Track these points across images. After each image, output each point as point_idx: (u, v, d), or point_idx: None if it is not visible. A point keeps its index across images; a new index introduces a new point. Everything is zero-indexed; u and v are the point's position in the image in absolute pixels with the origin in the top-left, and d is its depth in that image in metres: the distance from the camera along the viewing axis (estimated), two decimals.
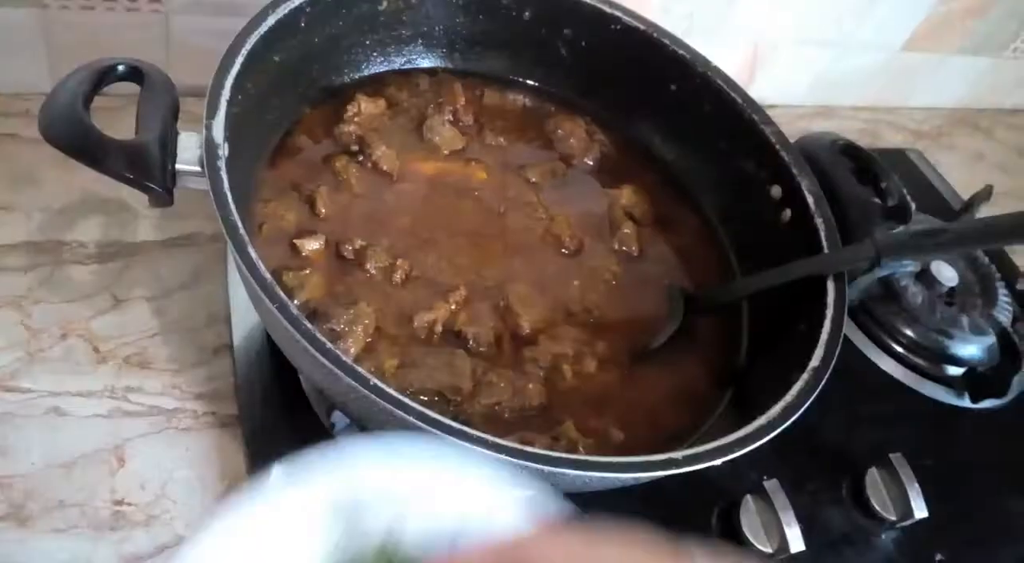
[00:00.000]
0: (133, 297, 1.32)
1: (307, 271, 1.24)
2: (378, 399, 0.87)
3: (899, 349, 1.53)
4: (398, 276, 1.22)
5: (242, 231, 0.94)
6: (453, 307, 1.28)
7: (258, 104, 1.15)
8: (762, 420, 1.11)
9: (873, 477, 1.30)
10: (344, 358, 0.90)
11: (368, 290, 1.19)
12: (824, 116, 2.08)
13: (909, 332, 1.53)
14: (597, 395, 1.20)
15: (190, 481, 1.13)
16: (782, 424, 1.10)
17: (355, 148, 1.33)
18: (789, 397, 1.07)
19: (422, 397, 1.08)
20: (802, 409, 1.05)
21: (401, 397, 0.88)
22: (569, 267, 1.35)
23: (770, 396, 1.07)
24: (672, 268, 1.41)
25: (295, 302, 1.14)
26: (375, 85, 1.43)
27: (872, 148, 1.68)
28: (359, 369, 0.89)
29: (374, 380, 0.89)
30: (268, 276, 0.93)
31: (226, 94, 1.04)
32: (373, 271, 1.22)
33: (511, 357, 1.19)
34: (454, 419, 0.89)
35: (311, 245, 1.27)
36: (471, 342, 1.26)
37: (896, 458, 1.27)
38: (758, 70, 1.88)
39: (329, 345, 0.90)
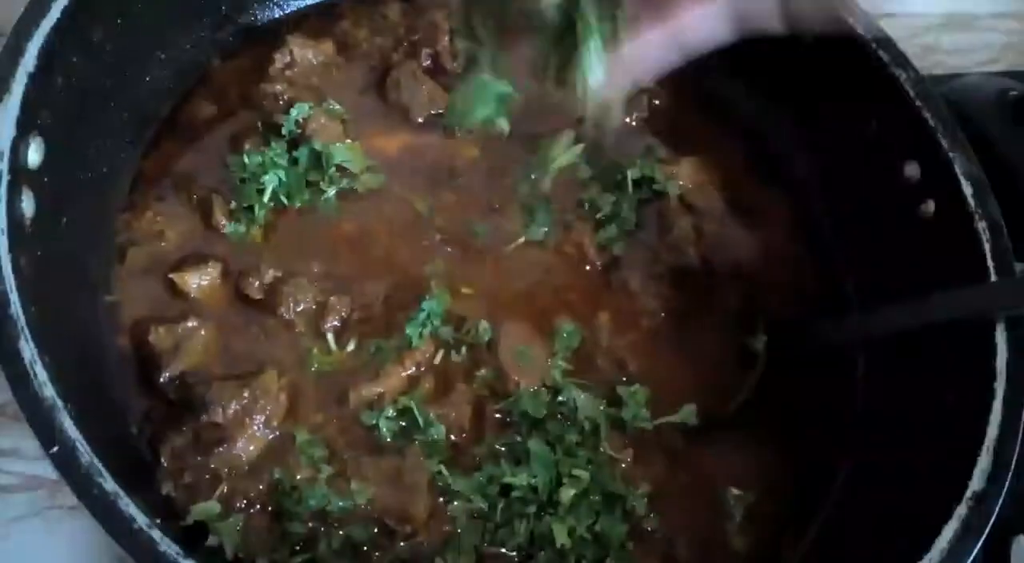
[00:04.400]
0: None
1: (190, 323, 0.92)
2: None
3: None
4: (330, 323, 0.96)
5: None
6: (411, 372, 0.95)
7: (123, 57, 0.97)
8: None
9: None
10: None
11: (281, 348, 0.95)
12: (959, 27, 1.67)
13: None
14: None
15: None
16: None
17: (281, 119, 1.06)
18: (931, 560, 0.78)
19: (352, 533, 0.85)
20: None
21: None
22: (594, 293, 1.06)
23: (895, 529, 0.84)
24: (750, 286, 1.10)
25: (166, 375, 0.90)
26: (319, 19, 1.18)
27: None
28: None
29: None
30: None
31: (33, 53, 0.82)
32: (291, 317, 0.96)
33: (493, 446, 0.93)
34: None
35: (199, 279, 0.96)
36: (432, 433, 0.91)
37: None
38: None
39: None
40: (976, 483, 0.81)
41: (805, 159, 1.18)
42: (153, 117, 1.03)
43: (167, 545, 0.64)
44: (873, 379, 1.03)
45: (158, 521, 0.66)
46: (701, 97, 1.22)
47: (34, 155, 0.80)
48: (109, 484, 0.65)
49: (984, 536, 0.78)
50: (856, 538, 0.89)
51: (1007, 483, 0.81)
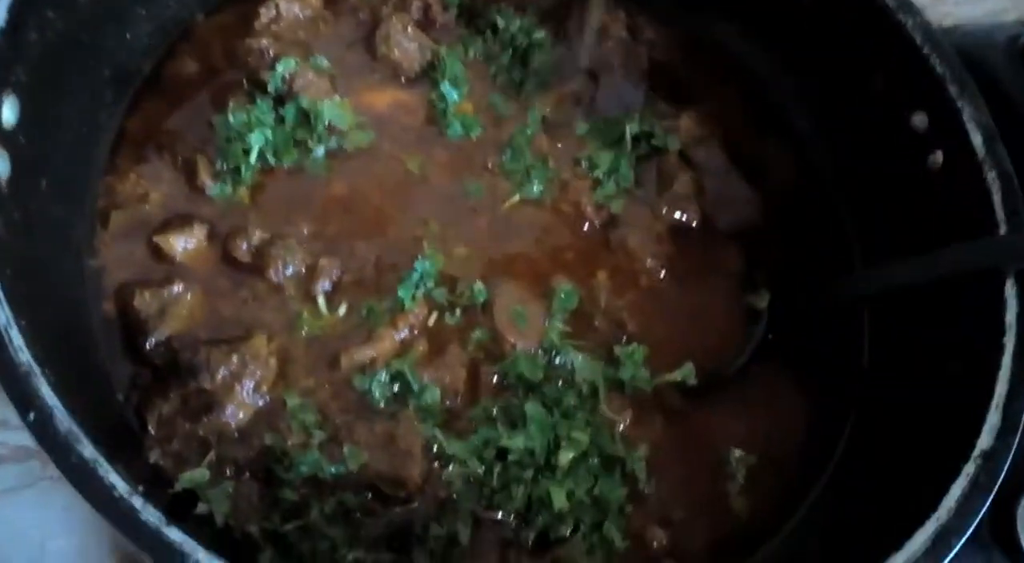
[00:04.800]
0: None
1: (176, 287, 0.89)
2: None
3: None
4: (320, 285, 0.93)
5: None
6: (404, 335, 0.91)
7: (101, 12, 0.92)
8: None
9: None
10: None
11: (271, 312, 0.92)
12: None
13: None
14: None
15: (69, 555, 0.94)
16: None
17: (266, 75, 1.02)
18: (939, 519, 0.75)
19: (344, 499, 0.82)
20: (966, 535, 0.74)
21: None
22: (591, 252, 1.02)
23: (902, 489, 0.81)
24: (752, 244, 1.06)
25: (151, 340, 0.87)
26: None
27: None
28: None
29: None
30: None
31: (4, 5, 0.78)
32: (280, 280, 0.93)
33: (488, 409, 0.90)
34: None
35: (185, 242, 0.93)
36: (426, 397, 0.88)
37: None
38: None
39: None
40: (985, 441, 0.78)
41: (809, 112, 1.14)
42: (134, 75, 0.99)
43: (149, 513, 0.61)
44: (879, 336, 1.00)
45: (140, 488, 0.63)
46: (701, 50, 1.18)
47: (8, 113, 0.77)
48: (88, 451, 0.63)
49: (993, 494, 0.76)
50: (861, 499, 0.87)
51: (1016, 441, 0.78)
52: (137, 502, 0.61)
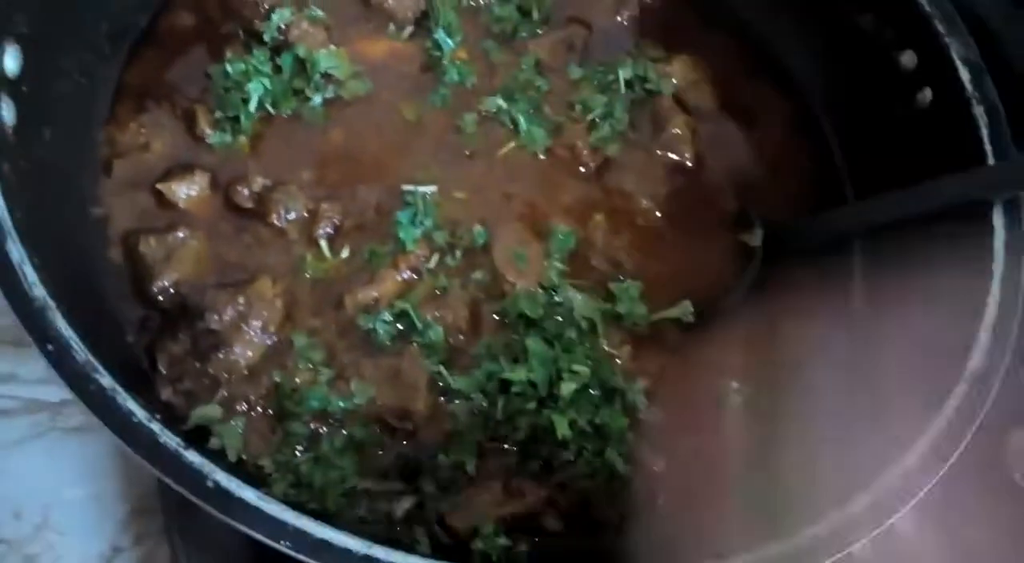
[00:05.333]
0: None
1: (180, 233, 0.91)
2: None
3: None
4: (322, 230, 0.95)
5: None
6: (406, 276, 0.93)
7: None
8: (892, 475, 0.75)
9: None
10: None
11: (274, 256, 0.94)
12: None
13: None
14: None
15: (83, 503, 0.96)
16: (926, 483, 0.75)
17: (262, 26, 1.03)
18: (938, 427, 0.78)
19: (353, 431, 0.85)
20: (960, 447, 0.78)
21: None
22: (588, 195, 1.04)
23: (902, 409, 0.82)
24: (746, 185, 1.08)
25: (159, 284, 0.88)
26: None
27: None
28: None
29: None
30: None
31: None
32: (283, 225, 0.95)
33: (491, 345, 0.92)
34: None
35: (187, 189, 0.94)
36: (429, 335, 0.90)
37: None
38: None
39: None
40: (975, 361, 0.80)
41: (800, 53, 1.15)
42: (131, 28, 1.00)
43: (168, 437, 0.63)
44: (871, 266, 1.02)
45: (157, 417, 0.65)
46: None
47: (11, 62, 0.78)
48: (106, 379, 0.65)
49: (982, 416, 0.78)
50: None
51: (1006, 360, 0.81)
52: (156, 427, 0.64)
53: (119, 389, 0.65)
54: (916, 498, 0.73)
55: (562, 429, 0.83)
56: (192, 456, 0.63)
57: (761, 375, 0.94)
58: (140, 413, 0.64)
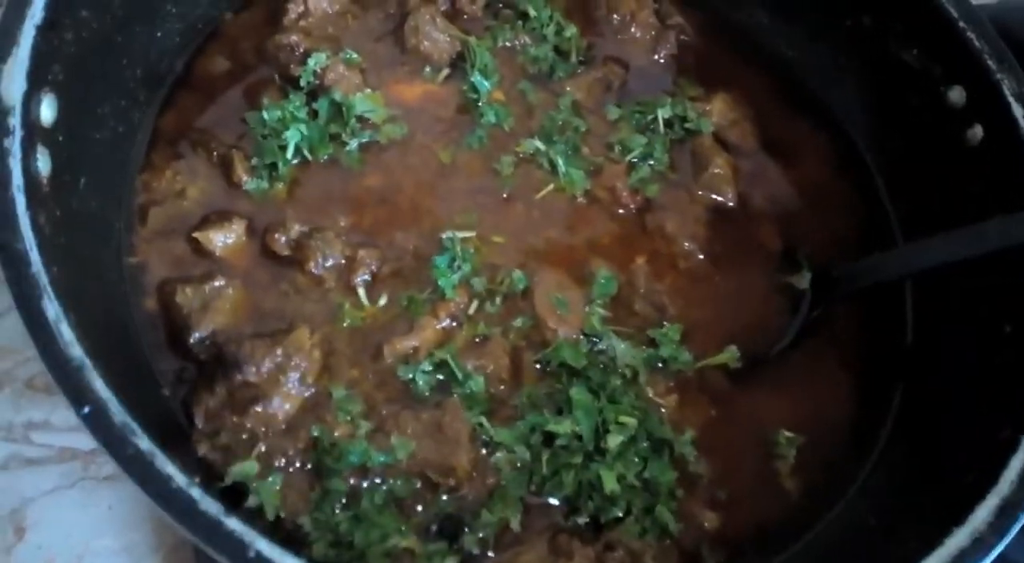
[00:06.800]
0: None
1: (217, 282, 0.89)
2: None
3: None
4: (360, 277, 0.93)
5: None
6: (446, 324, 0.91)
7: (133, 11, 0.93)
8: (959, 538, 0.72)
9: None
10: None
11: (312, 304, 0.92)
12: None
13: None
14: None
15: (114, 554, 0.95)
16: (996, 544, 0.72)
17: (298, 70, 1.02)
18: (1001, 493, 0.74)
19: (394, 488, 0.83)
20: None
21: None
22: (629, 238, 1.02)
23: (959, 462, 0.81)
24: (790, 225, 1.07)
25: (196, 335, 0.87)
26: None
27: None
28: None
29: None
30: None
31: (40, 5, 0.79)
32: (320, 272, 0.93)
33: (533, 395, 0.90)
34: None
35: (224, 237, 0.93)
36: (470, 385, 0.88)
37: None
38: None
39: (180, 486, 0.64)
40: None
41: (842, 89, 1.14)
42: (166, 73, 1.00)
43: (208, 504, 0.61)
44: (923, 310, 1.00)
45: (196, 480, 0.63)
46: (731, 31, 1.18)
47: (47, 111, 0.77)
48: (145, 443, 0.63)
49: None
50: (915, 474, 0.87)
51: None
52: (195, 493, 0.61)
53: (157, 452, 0.62)
54: (988, 560, 0.70)
55: (610, 484, 0.81)
56: (233, 523, 0.61)
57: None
58: (179, 478, 0.62)
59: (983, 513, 0.71)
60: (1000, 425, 0.79)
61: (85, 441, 1.00)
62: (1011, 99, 0.95)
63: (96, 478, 0.98)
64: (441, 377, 0.88)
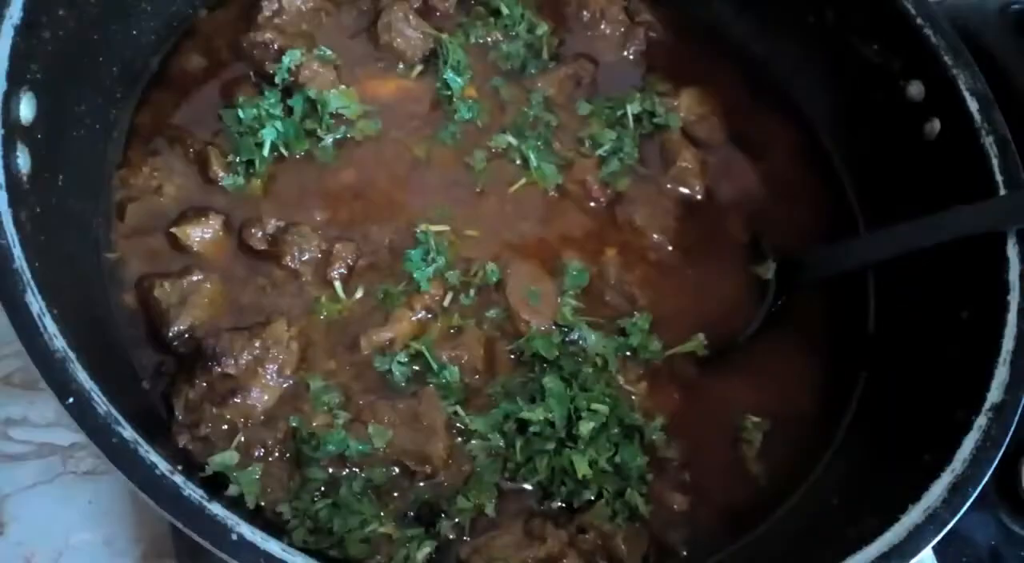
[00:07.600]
0: None
1: (195, 277, 0.90)
2: None
3: None
4: (336, 271, 0.94)
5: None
6: (421, 316, 0.93)
7: (109, 10, 0.94)
8: (913, 515, 0.75)
9: None
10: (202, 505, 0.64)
11: (289, 298, 0.94)
12: None
13: None
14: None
15: (94, 548, 0.96)
16: (949, 520, 0.75)
17: (272, 67, 1.03)
18: (954, 471, 0.78)
19: (372, 475, 0.85)
20: (981, 485, 0.77)
21: None
22: (599, 230, 1.04)
23: (916, 443, 0.83)
24: (757, 217, 1.09)
25: (174, 329, 0.88)
26: None
27: None
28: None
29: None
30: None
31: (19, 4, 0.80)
32: (297, 266, 0.94)
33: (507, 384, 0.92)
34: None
35: (201, 232, 0.94)
36: (445, 375, 0.89)
37: None
38: None
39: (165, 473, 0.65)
40: (995, 394, 0.80)
41: (807, 84, 1.16)
42: (142, 71, 1.01)
43: (191, 489, 0.63)
44: (884, 298, 1.02)
45: (179, 468, 0.65)
46: (699, 28, 1.20)
47: (26, 110, 0.78)
48: (128, 432, 0.64)
49: (1004, 446, 0.78)
50: (876, 456, 0.89)
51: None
52: (179, 480, 0.63)
53: (141, 441, 0.64)
54: (941, 535, 0.73)
55: (583, 469, 0.83)
56: (215, 508, 0.62)
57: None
58: (162, 465, 0.63)
59: (937, 490, 0.74)
60: (955, 407, 0.81)
61: (64, 436, 1.01)
62: (966, 94, 0.97)
63: (76, 473, 0.99)
64: (417, 368, 0.90)
